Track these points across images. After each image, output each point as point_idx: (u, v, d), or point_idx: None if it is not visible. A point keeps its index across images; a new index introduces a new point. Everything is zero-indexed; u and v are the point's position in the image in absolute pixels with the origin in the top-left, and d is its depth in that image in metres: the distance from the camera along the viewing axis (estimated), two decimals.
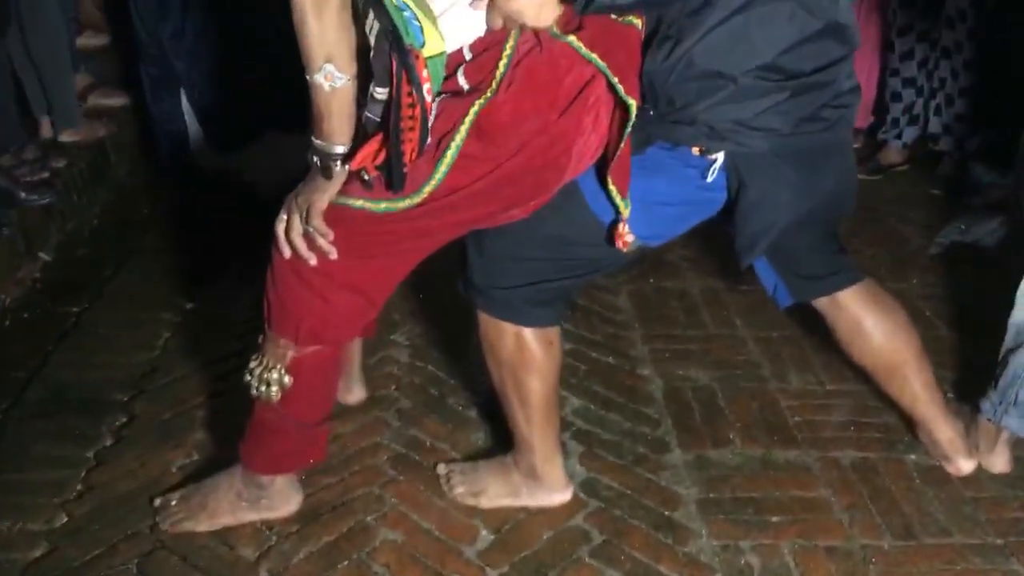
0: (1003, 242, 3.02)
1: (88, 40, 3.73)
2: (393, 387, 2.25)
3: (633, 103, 1.52)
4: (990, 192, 3.35)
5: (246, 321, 2.48)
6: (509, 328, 1.74)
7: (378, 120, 1.52)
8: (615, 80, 1.50)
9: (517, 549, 1.77)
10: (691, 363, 2.38)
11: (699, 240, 3.02)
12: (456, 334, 2.45)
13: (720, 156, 1.56)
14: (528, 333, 1.74)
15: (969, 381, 2.19)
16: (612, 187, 1.59)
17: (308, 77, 1.42)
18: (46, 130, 3.26)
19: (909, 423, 2.09)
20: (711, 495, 1.92)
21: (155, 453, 2.02)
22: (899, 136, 3.52)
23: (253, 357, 1.70)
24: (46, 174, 2.99)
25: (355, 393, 2.17)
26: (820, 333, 2.45)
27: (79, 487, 1.93)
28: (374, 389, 2.22)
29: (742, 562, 1.76)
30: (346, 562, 1.73)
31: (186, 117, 3.07)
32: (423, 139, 1.48)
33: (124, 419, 2.14)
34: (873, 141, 3.58)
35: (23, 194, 2.84)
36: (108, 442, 2.06)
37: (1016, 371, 1.87)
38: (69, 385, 2.26)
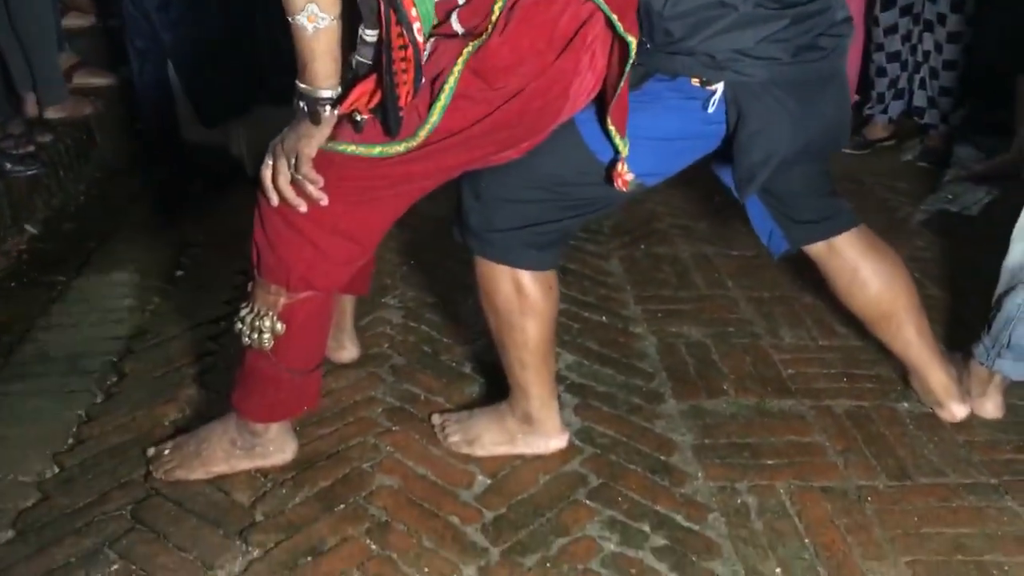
0: (988, 211, 3.06)
1: (73, 21, 3.71)
2: (386, 345, 2.25)
3: (633, 41, 1.52)
4: (975, 166, 3.39)
5: (235, 287, 2.47)
6: (507, 272, 1.73)
7: (369, 63, 1.51)
8: (614, 17, 1.50)
9: (514, 492, 1.77)
10: (684, 321, 2.38)
11: (689, 209, 3.04)
12: (449, 297, 2.46)
13: (720, 87, 1.56)
14: (527, 276, 1.73)
15: (959, 336, 2.20)
16: (611, 127, 1.59)
17: (290, 19, 1.41)
18: (31, 107, 3.24)
19: (902, 373, 2.10)
20: (706, 441, 1.92)
21: (146, 408, 2.00)
22: (885, 111, 3.55)
23: (243, 305, 1.69)
24: (31, 148, 2.96)
25: (348, 351, 2.16)
26: (811, 293, 2.49)
27: (70, 441, 1.91)
28: (367, 348, 2.21)
29: (738, 502, 1.76)
30: (343, 506, 1.72)
31: (173, 90, 3.05)
32: (417, 80, 1.47)
33: (114, 378, 2.12)
34: (859, 116, 3.61)
35: (8, 165, 2.82)
36: (98, 399, 2.04)
37: (1009, 313, 1.88)
38: (57, 347, 2.24)
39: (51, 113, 3.24)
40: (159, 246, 2.76)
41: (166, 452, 1.81)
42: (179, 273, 2.60)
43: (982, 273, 2.55)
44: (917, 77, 3.43)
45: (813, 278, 2.51)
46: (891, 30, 3.41)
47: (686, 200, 3.09)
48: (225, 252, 2.68)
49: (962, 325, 2.28)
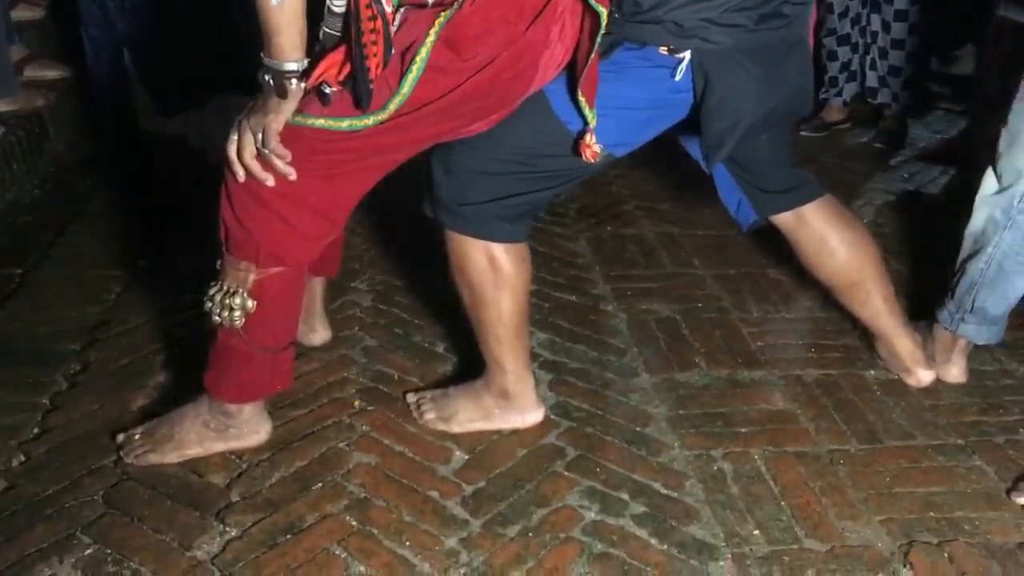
0: (944, 188, 3.13)
1: (22, 13, 3.62)
2: (357, 328, 2.23)
3: (604, 12, 1.52)
4: (928, 146, 3.48)
5: (199, 275, 2.42)
6: (480, 245, 1.73)
7: (338, 34, 1.50)
8: None
9: (492, 466, 1.77)
10: (653, 298, 2.40)
11: (652, 192, 3.07)
12: (417, 279, 2.45)
13: (687, 54, 1.58)
14: (499, 249, 1.73)
15: (920, 308, 2.24)
16: (581, 98, 1.59)
17: None
18: None
19: (868, 342, 2.14)
20: (681, 412, 1.94)
21: (114, 396, 1.96)
22: (839, 94, 3.61)
23: (211, 283, 1.67)
24: None
25: (319, 334, 2.14)
26: (775, 270, 2.53)
27: (36, 429, 1.86)
28: (338, 330, 2.19)
29: (715, 468, 1.77)
30: (320, 484, 1.71)
31: (130, 80, 3.00)
32: (387, 52, 1.46)
33: (78, 367, 2.07)
34: (814, 101, 3.66)
35: None
36: (63, 387, 2.00)
37: (973, 278, 1.93)
38: (17, 338, 2.18)
39: (2, 106, 3.16)
40: (119, 237, 2.70)
41: (136, 437, 1.78)
42: (141, 263, 2.56)
43: (939, 247, 2.61)
44: (867, 58, 3.50)
45: (777, 256, 2.56)
46: (843, 14, 3.47)
47: (649, 183, 3.11)
48: (187, 241, 2.63)
49: (922, 298, 2.32)
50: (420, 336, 2.21)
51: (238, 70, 3.03)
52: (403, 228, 2.67)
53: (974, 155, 3.07)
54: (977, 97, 3.01)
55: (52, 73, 3.48)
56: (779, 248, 2.52)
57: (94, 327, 2.23)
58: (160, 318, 2.26)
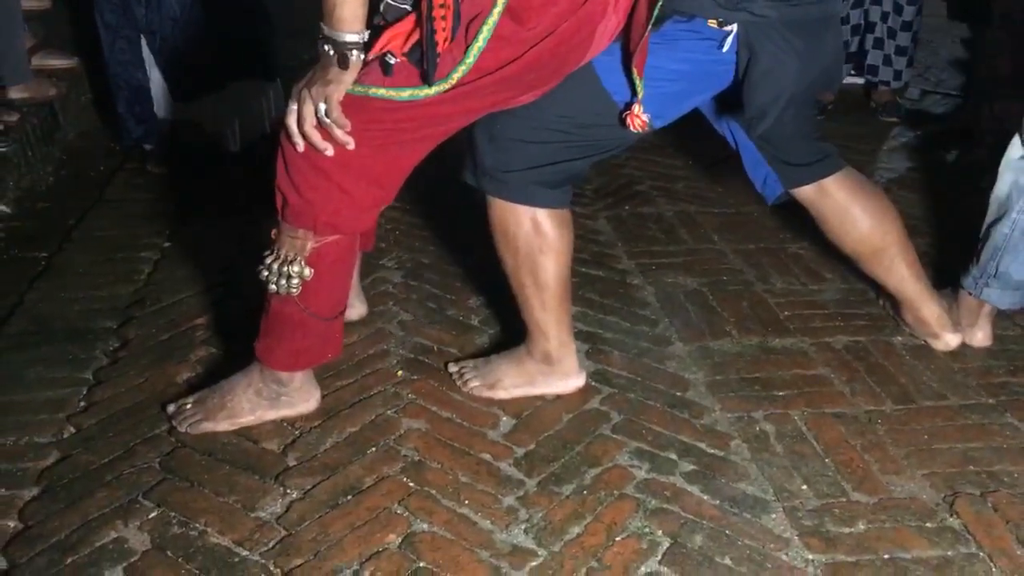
0: (948, 165, 3.20)
1: (29, 2, 3.60)
2: (391, 303, 2.25)
3: None
4: (931, 125, 3.55)
5: (226, 256, 2.45)
6: (524, 211, 1.76)
7: (404, 7, 1.52)
8: None
9: (540, 430, 1.80)
10: (678, 272, 2.44)
11: (665, 173, 3.11)
12: (445, 256, 2.47)
13: (734, 27, 1.62)
14: (544, 215, 1.77)
15: (935, 280, 2.29)
16: (634, 68, 1.62)
17: None
18: None
19: (893, 310, 2.19)
20: (718, 377, 1.98)
21: (157, 370, 1.98)
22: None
23: (267, 253, 1.68)
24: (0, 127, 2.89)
25: (356, 308, 2.15)
26: (793, 245, 2.58)
27: (82, 403, 1.88)
28: (372, 305, 2.21)
29: (757, 429, 1.82)
30: (373, 448, 1.73)
31: (146, 66, 2.99)
32: (455, 25, 1.49)
33: (117, 343, 2.09)
34: None
35: None
36: (104, 363, 2.01)
37: (997, 243, 1.98)
38: (52, 317, 2.19)
39: (14, 93, 3.15)
40: (140, 221, 2.71)
41: (188, 406, 1.80)
42: (166, 244, 2.57)
43: (946, 221, 2.69)
44: (871, 37, 3.56)
45: (794, 232, 2.62)
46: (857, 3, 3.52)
47: (660, 165, 3.16)
48: (210, 223, 2.65)
49: (937, 269, 2.38)
50: (454, 310, 2.24)
51: (253, 56, 3.06)
52: (424, 208, 2.70)
53: (978, 131, 3.15)
54: (982, 75, 3.08)
55: (59, 62, 3.48)
56: (796, 224, 2.58)
57: (127, 306, 2.24)
58: (194, 296, 2.27)
